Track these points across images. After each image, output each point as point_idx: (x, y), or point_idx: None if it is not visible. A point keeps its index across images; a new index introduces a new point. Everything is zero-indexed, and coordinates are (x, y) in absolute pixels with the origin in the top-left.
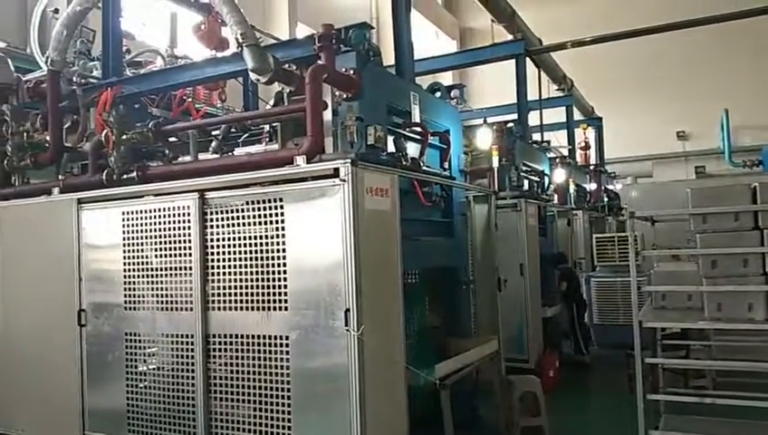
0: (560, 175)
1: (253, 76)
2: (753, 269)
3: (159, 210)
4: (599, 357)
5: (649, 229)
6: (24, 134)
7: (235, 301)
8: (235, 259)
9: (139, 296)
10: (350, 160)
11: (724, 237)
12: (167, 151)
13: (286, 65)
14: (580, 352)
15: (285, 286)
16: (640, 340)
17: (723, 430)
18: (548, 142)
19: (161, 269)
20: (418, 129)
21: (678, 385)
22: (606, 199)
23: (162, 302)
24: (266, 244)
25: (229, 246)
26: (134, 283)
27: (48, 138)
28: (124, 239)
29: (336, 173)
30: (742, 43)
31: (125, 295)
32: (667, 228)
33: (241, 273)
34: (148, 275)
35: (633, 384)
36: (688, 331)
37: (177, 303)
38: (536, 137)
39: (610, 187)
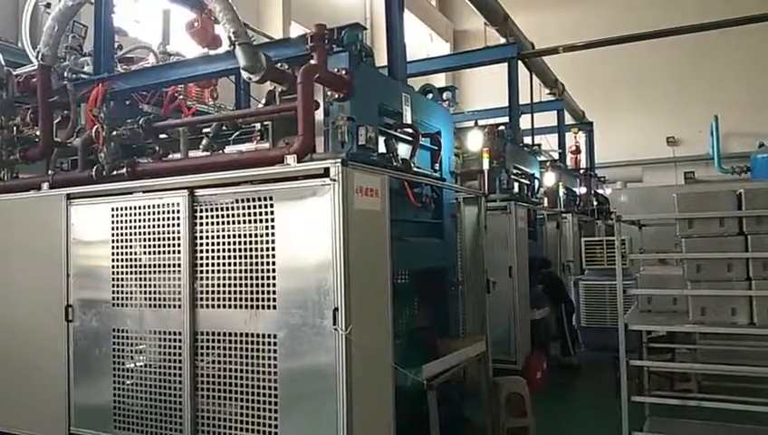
0: (550, 178)
1: (245, 75)
2: (737, 274)
3: (149, 207)
4: (586, 359)
5: (638, 233)
6: (14, 128)
7: (224, 299)
8: (224, 257)
9: (127, 293)
10: (340, 160)
11: (709, 242)
12: (157, 148)
13: (278, 64)
14: (567, 355)
15: (274, 285)
16: (627, 342)
17: (707, 432)
18: (539, 146)
19: (150, 266)
20: (410, 130)
21: (664, 388)
22: (595, 203)
23: (150, 299)
24: (256, 242)
25: (218, 243)
26: (122, 279)
27: (38, 133)
28: (113, 235)
29: (326, 173)
30: (732, 51)
31: (113, 292)
32: (655, 233)
33: (230, 271)
34: (136, 272)
35: (620, 386)
36: (674, 334)
37: (165, 300)
38: (527, 140)
39: (600, 191)
